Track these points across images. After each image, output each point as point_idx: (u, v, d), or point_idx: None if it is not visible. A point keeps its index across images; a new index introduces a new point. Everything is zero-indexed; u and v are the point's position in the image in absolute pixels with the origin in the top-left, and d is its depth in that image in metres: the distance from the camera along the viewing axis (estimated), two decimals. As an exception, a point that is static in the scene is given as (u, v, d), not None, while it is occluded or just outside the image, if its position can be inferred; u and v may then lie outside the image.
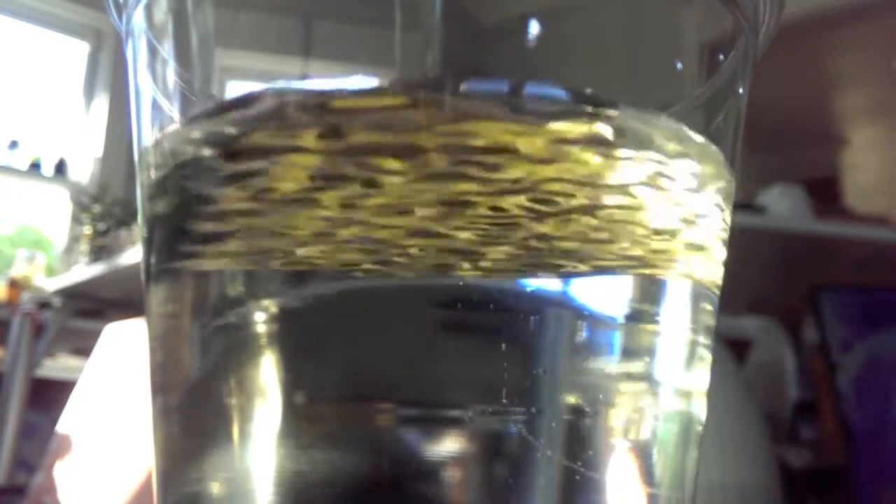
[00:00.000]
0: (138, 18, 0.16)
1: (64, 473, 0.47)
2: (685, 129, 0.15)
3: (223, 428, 0.14)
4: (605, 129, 0.13)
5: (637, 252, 0.14)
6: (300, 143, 0.13)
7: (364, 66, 0.19)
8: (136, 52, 0.17)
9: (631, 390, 0.14)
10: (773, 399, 0.79)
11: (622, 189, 0.14)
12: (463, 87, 0.13)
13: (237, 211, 0.14)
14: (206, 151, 0.14)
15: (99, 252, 1.46)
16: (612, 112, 0.14)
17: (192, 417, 0.15)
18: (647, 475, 0.14)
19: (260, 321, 0.14)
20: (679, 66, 0.17)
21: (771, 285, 0.89)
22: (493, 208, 0.13)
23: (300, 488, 0.13)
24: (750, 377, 0.76)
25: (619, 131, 0.14)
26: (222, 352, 0.14)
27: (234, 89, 0.17)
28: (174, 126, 0.16)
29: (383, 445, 0.13)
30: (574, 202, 0.13)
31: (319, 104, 0.13)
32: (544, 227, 0.13)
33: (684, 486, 0.15)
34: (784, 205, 0.82)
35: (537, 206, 0.13)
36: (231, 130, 0.14)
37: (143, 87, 0.17)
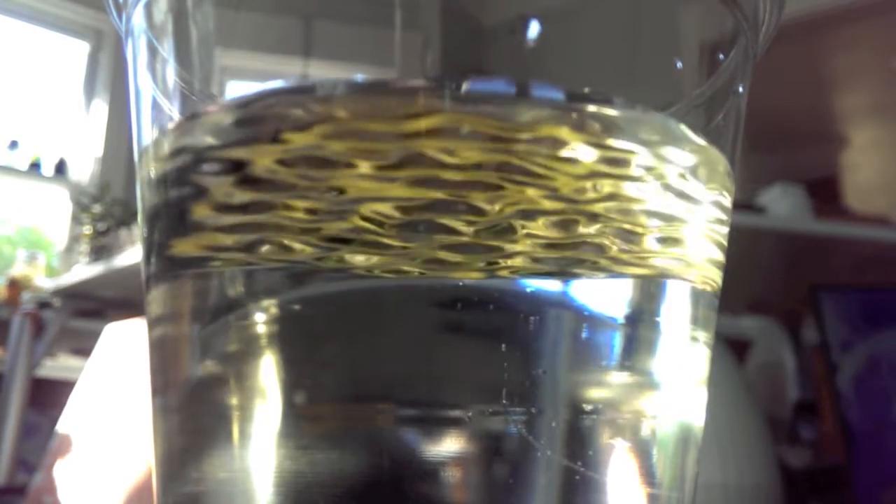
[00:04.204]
0: (138, 18, 0.16)
1: (64, 473, 0.47)
2: (684, 128, 0.15)
3: (223, 428, 0.14)
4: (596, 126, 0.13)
5: (637, 253, 0.14)
6: (301, 142, 0.13)
7: (364, 65, 0.19)
8: (136, 52, 0.17)
9: (630, 390, 0.14)
10: (773, 399, 0.79)
11: (621, 189, 0.14)
12: (463, 86, 0.13)
13: (237, 210, 0.14)
14: (207, 151, 0.14)
15: (99, 252, 1.46)
16: (609, 110, 0.14)
17: (192, 417, 0.15)
18: (647, 475, 0.14)
19: (260, 321, 0.14)
20: (679, 65, 0.17)
21: (771, 285, 0.89)
22: (492, 211, 0.13)
23: (300, 488, 0.13)
24: (750, 377, 0.76)
25: (616, 129, 0.14)
26: (222, 352, 0.14)
27: (234, 89, 0.17)
28: (174, 125, 0.16)
29: (383, 445, 0.13)
30: (574, 204, 0.13)
31: (322, 104, 0.13)
32: (543, 230, 0.13)
33: (684, 486, 0.15)
34: (784, 205, 0.82)
35: (536, 208, 0.13)
36: (231, 129, 0.14)
37: (143, 87, 0.16)
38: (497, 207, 0.13)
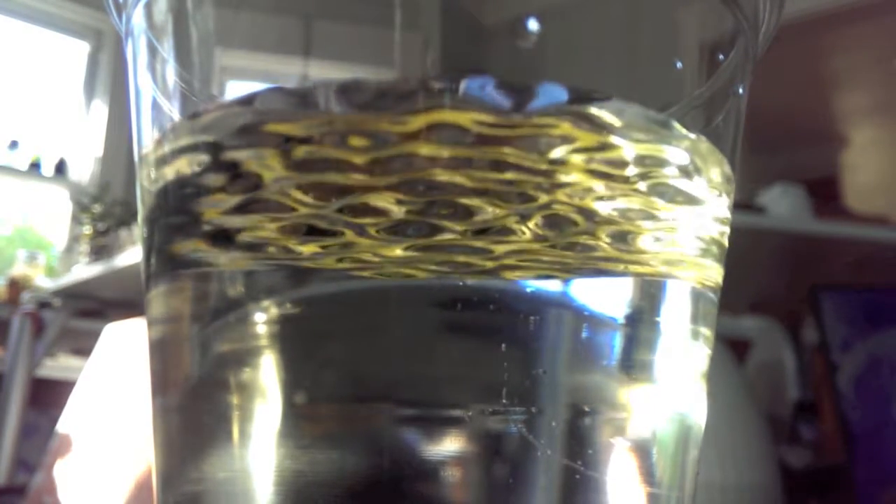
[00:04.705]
0: (138, 18, 0.16)
1: (64, 473, 0.47)
2: (684, 128, 0.15)
3: (223, 428, 0.14)
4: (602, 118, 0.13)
5: (637, 253, 0.14)
6: (301, 142, 0.13)
7: (364, 65, 0.19)
8: (136, 52, 0.17)
9: (630, 390, 0.14)
10: (773, 399, 0.79)
11: (621, 189, 0.14)
12: (462, 86, 0.13)
13: (237, 211, 0.14)
14: (207, 151, 0.14)
15: (99, 252, 1.46)
16: (609, 110, 0.14)
17: (192, 417, 0.15)
18: (647, 475, 0.14)
19: (260, 321, 0.14)
20: (679, 65, 0.17)
21: (771, 285, 0.89)
22: (492, 212, 0.13)
23: (300, 488, 0.13)
24: (750, 377, 0.76)
25: (616, 129, 0.14)
26: (222, 352, 0.14)
27: (234, 89, 0.17)
28: (174, 125, 0.16)
29: (383, 445, 0.13)
30: (573, 204, 0.13)
31: (321, 104, 0.13)
32: (542, 230, 0.13)
33: (684, 485, 0.15)
34: (784, 205, 0.82)
35: (535, 207, 0.13)
36: (231, 130, 0.14)
37: (143, 87, 0.17)
38: (497, 208, 0.13)
